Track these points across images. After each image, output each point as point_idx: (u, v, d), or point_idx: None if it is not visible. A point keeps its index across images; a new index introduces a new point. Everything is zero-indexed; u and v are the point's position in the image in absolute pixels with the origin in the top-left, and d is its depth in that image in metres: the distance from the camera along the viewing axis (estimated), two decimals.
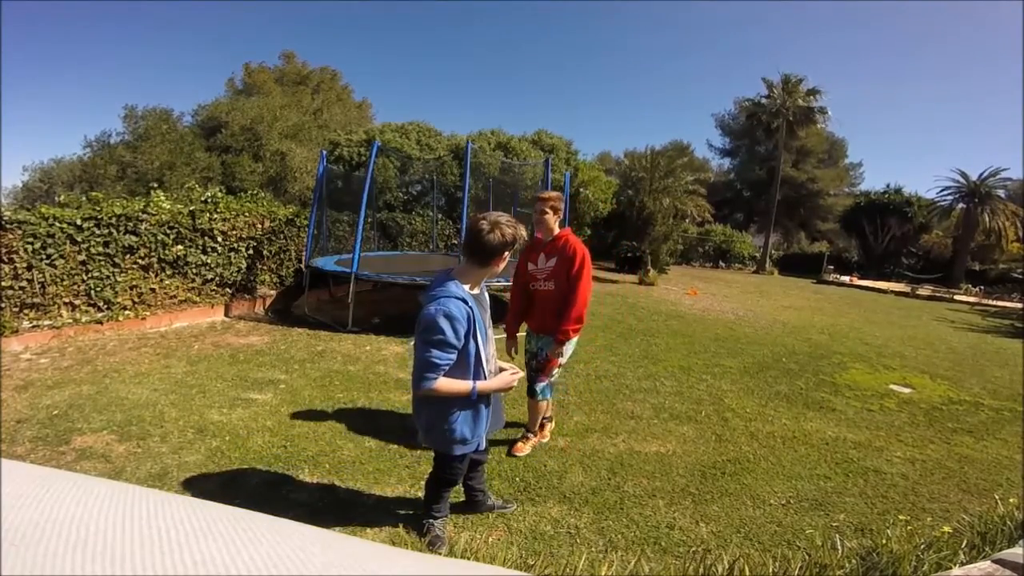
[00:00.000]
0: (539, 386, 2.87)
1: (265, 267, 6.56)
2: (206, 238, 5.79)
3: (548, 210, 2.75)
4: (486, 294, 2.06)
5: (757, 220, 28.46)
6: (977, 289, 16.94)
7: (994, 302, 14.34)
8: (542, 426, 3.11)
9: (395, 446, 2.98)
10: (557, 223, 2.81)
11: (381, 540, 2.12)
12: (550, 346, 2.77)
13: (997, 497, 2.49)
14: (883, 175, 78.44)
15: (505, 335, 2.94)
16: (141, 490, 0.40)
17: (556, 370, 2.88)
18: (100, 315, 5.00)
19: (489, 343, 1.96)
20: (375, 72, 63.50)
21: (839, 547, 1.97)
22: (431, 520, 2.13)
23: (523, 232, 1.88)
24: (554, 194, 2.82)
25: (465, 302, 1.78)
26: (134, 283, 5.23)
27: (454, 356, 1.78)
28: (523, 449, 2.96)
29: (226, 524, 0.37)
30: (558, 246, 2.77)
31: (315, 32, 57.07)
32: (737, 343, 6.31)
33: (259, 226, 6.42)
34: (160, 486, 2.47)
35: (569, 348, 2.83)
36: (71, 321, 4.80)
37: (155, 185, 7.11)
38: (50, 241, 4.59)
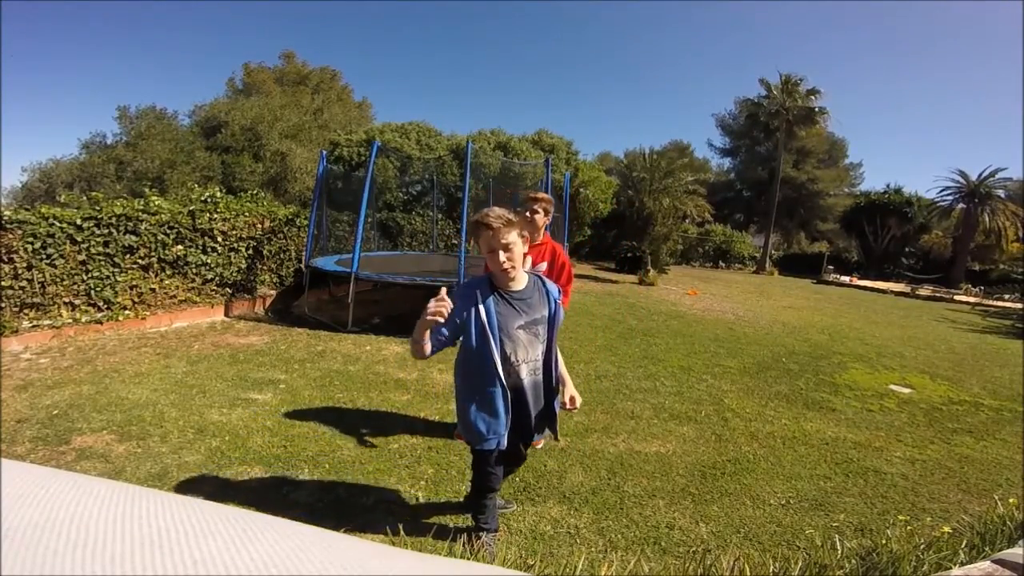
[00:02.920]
0: None
1: (265, 267, 6.56)
2: (206, 238, 5.79)
3: (540, 210, 2.67)
4: (536, 294, 1.89)
5: (757, 220, 28.47)
6: (977, 289, 16.95)
7: (994, 302, 14.35)
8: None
9: (395, 446, 2.98)
10: (545, 227, 2.75)
11: (381, 540, 2.12)
12: None
13: (997, 497, 2.49)
14: (883, 175, 78.54)
15: None
16: (141, 490, 0.40)
17: None
18: (100, 315, 5.00)
19: (518, 345, 1.83)
20: (375, 72, 63.66)
21: (839, 547, 1.97)
22: (480, 534, 2.05)
23: (492, 216, 1.73)
24: (548, 196, 2.77)
25: (471, 287, 1.82)
26: (134, 283, 5.23)
27: (447, 328, 1.78)
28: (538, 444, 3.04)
29: (226, 524, 0.37)
30: (547, 250, 2.74)
31: (315, 32, 57.17)
32: (737, 343, 6.31)
33: (259, 226, 6.42)
34: (160, 486, 2.47)
35: None
36: (71, 321, 4.80)
37: (151, 185, 7.11)
38: (50, 241, 4.59)
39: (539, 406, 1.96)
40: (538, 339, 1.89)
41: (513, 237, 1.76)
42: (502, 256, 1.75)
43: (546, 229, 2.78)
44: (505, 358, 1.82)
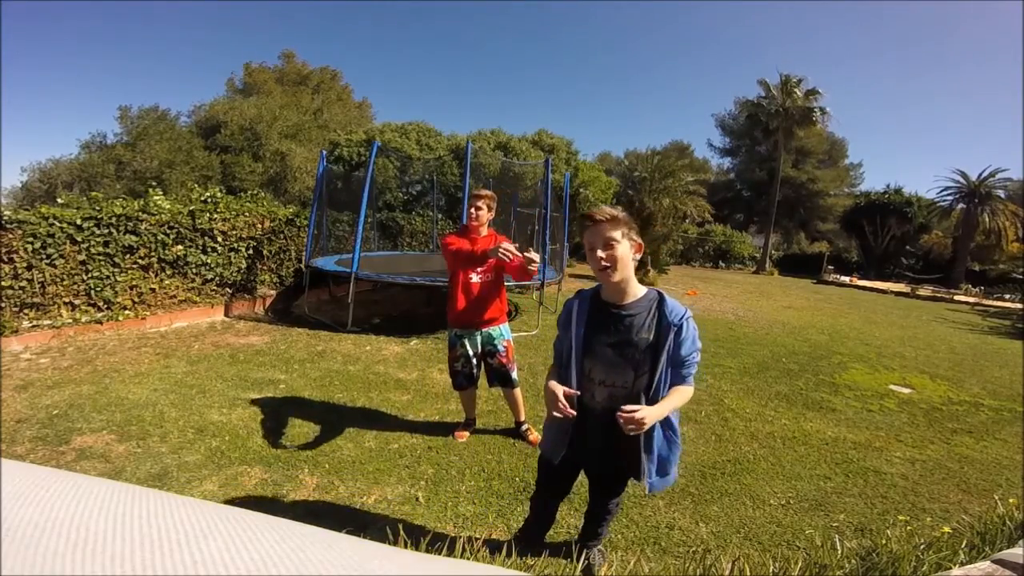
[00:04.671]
0: (514, 374, 3.01)
1: (265, 267, 6.56)
2: (206, 238, 5.79)
3: (484, 206, 2.87)
4: (645, 315, 1.58)
5: (757, 220, 28.50)
6: (977, 290, 16.95)
7: (994, 302, 14.34)
8: (468, 424, 3.23)
9: (395, 446, 2.98)
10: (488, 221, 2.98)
11: (381, 540, 2.11)
12: (501, 336, 2.94)
13: (997, 497, 2.49)
14: (883, 175, 78.64)
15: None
16: (141, 490, 0.40)
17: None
18: (100, 315, 5.00)
19: (599, 362, 1.61)
20: (375, 72, 63.75)
21: (839, 547, 1.97)
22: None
23: (595, 210, 1.61)
24: (491, 193, 2.97)
25: (571, 304, 1.69)
26: (134, 283, 5.23)
27: (561, 345, 1.72)
28: (535, 435, 3.09)
29: (226, 524, 0.37)
30: (490, 242, 2.93)
31: (315, 32, 57.22)
32: (737, 343, 6.31)
33: (259, 226, 6.42)
34: (160, 486, 2.47)
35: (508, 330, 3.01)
36: (71, 321, 4.80)
37: (153, 184, 7.12)
38: (50, 241, 4.59)
39: (611, 439, 1.65)
40: (629, 363, 1.59)
41: (616, 235, 1.53)
42: (600, 253, 1.53)
43: (490, 224, 2.99)
44: (583, 373, 1.64)
